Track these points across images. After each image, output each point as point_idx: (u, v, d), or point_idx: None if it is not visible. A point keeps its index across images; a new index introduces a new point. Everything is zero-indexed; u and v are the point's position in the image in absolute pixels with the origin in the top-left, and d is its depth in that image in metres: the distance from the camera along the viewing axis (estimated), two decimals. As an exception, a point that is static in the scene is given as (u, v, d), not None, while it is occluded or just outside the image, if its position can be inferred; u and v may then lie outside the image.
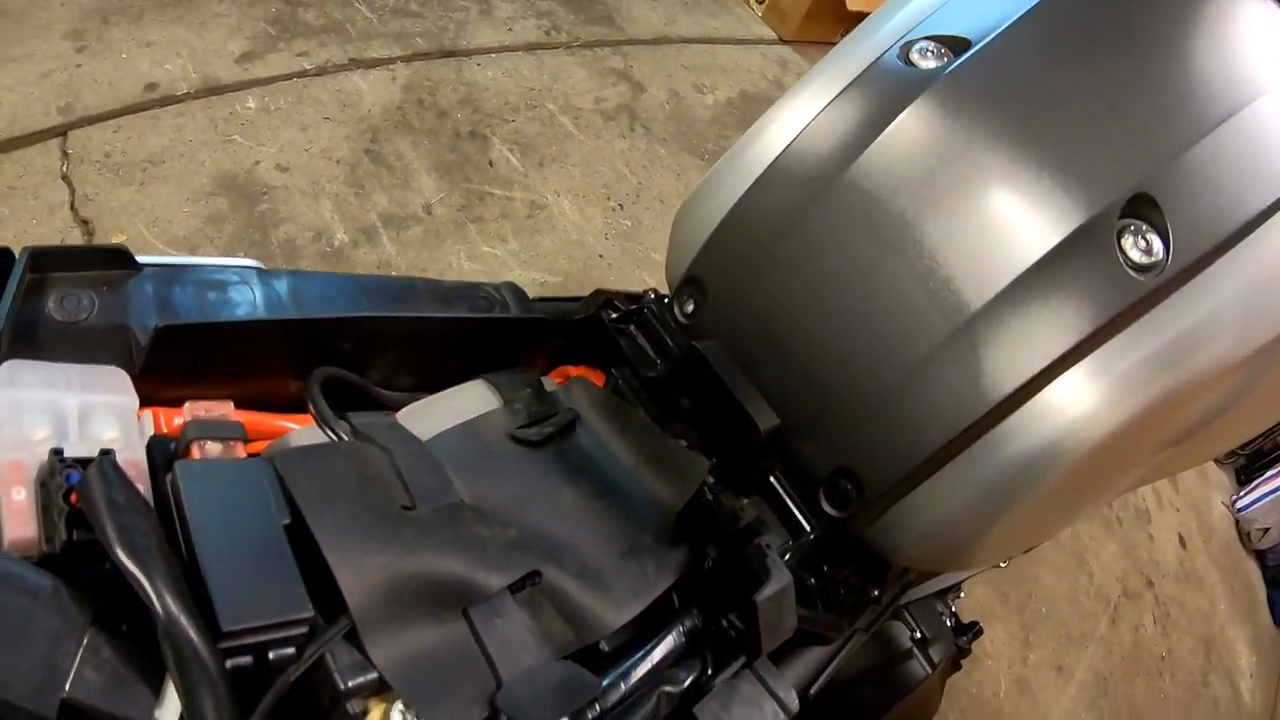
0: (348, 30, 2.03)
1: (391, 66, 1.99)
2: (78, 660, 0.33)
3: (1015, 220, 0.53)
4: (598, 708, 0.47)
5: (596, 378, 0.68)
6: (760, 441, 0.57)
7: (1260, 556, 2.92)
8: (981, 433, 0.52)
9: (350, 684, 0.39)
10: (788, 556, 0.55)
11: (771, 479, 0.59)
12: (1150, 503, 2.66)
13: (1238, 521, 2.92)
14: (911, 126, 0.56)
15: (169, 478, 0.40)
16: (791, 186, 0.59)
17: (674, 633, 0.53)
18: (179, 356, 0.47)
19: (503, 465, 0.55)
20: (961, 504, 0.53)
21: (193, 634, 0.34)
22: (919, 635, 0.91)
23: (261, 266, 0.54)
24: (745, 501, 0.55)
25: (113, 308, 0.46)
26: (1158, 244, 0.52)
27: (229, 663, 0.36)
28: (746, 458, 0.59)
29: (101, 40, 1.81)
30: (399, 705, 0.41)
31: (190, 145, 1.72)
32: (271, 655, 0.38)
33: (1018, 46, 0.57)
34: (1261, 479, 2.93)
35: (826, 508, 0.56)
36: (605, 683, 0.49)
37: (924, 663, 0.89)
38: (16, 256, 0.44)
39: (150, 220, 1.58)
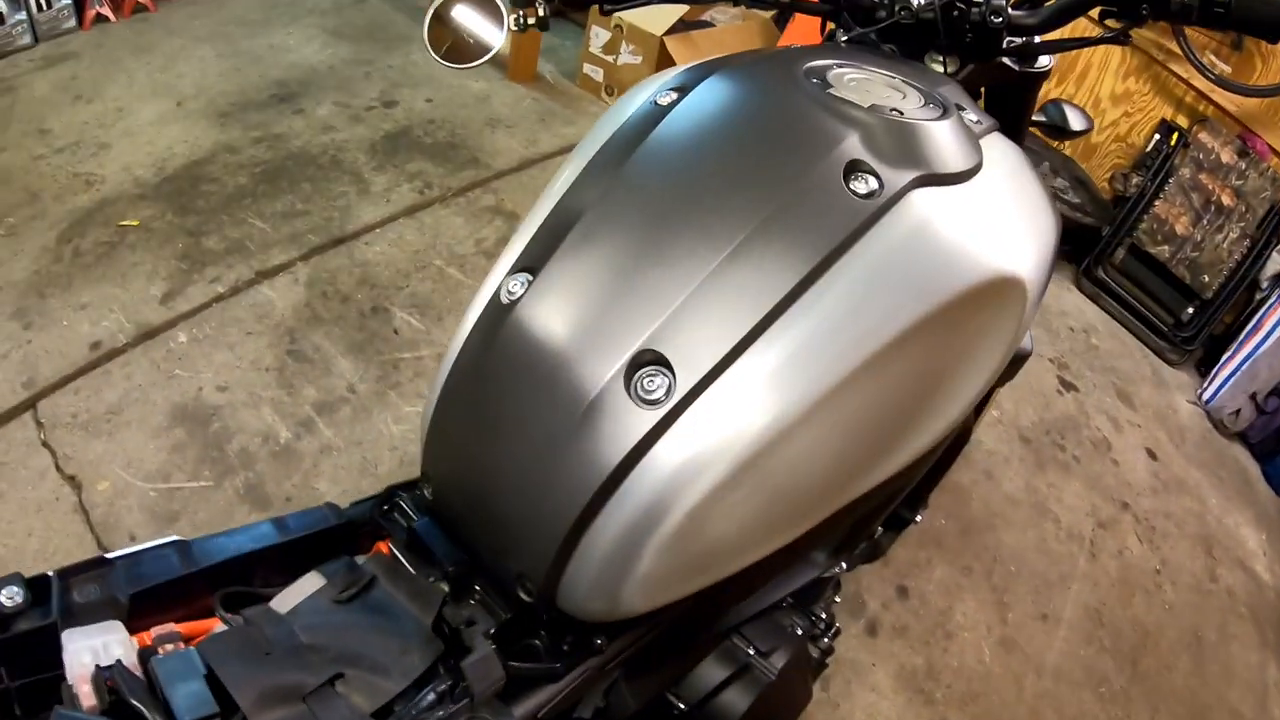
0: (248, 246, 2.26)
1: (292, 269, 2.22)
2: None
3: (563, 385, 0.69)
4: None
5: None
6: (455, 580, 0.80)
7: (1243, 437, 2.94)
8: (594, 514, 0.68)
9: None
10: (493, 631, 0.77)
11: (484, 591, 0.82)
12: (1107, 429, 2.70)
13: (1209, 414, 2.96)
14: (524, 317, 0.72)
15: (148, 665, 0.69)
16: (471, 359, 0.76)
17: (430, 690, 0.75)
18: (145, 606, 0.77)
19: (318, 617, 0.80)
20: (598, 563, 0.70)
21: None
22: (753, 650, 1.05)
23: (179, 539, 0.83)
24: (470, 613, 0.79)
25: (107, 588, 0.77)
26: (664, 380, 0.66)
27: None
28: (466, 589, 0.82)
29: (43, 314, 2.05)
30: None
31: (141, 389, 1.96)
32: None
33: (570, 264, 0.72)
34: (1219, 365, 2.96)
35: (523, 596, 0.77)
36: None
37: (765, 670, 1.03)
38: (52, 578, 0.75)
39: (125, 464, 1.81)
